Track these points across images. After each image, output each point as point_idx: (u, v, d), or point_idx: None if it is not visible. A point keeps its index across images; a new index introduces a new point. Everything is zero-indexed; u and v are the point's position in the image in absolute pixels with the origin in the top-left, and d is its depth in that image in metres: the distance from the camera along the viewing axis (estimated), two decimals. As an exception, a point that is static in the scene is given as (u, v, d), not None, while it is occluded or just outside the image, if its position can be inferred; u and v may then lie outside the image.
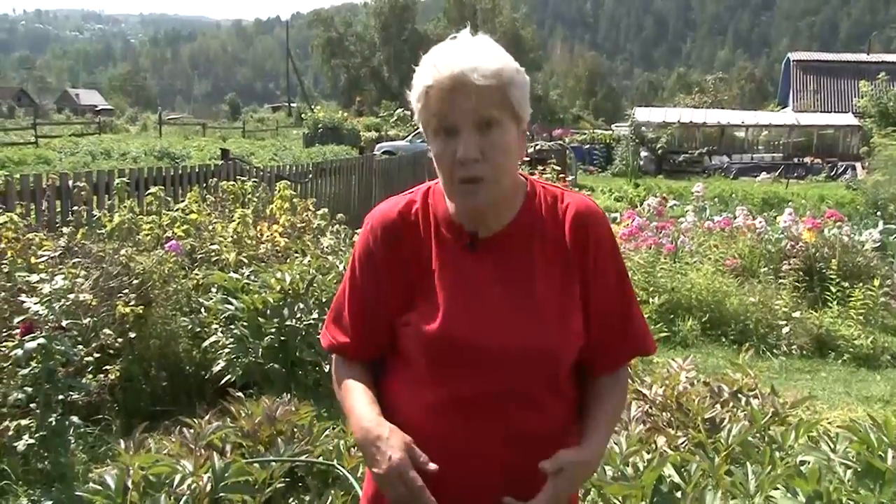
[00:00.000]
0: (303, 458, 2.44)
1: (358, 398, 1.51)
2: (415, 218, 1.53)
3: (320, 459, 2.50)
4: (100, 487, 1.71)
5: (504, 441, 1.45)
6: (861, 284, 6.83)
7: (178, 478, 1.73)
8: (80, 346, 4.11)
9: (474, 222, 1.50)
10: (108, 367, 4.24)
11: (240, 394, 3.09)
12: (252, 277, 4.63)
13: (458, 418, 1.44)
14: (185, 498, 1.72)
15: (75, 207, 5.70)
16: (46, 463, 3.70)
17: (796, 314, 6.52)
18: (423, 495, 1.34)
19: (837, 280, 6.82)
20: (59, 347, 3.84)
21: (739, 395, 2.96)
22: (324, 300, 4.60)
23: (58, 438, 3.80)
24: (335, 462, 2.49)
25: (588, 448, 1.47)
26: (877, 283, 6.80)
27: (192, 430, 2.68)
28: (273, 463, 2.42)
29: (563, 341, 1.47)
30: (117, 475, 1.70)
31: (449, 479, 1.44)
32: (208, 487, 1.68)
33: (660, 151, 28.89)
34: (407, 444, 1.38)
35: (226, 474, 1.71)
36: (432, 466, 1.35)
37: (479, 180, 1.40)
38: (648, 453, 2.60)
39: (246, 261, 5.14)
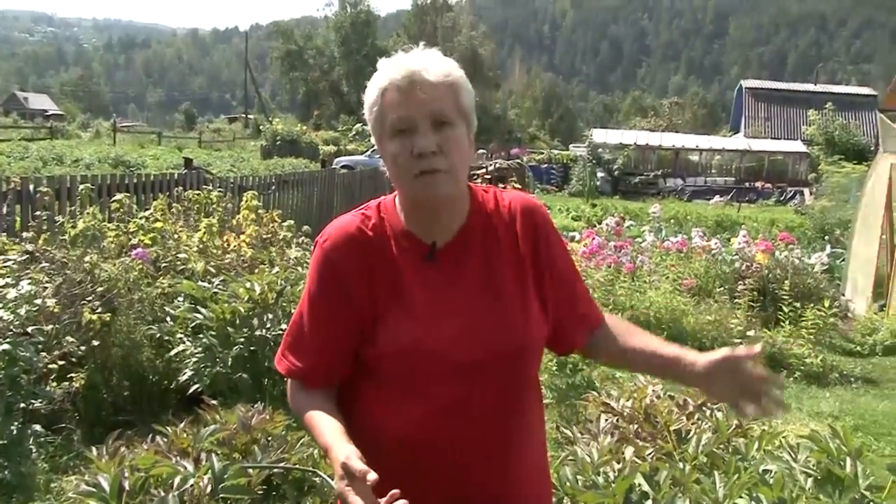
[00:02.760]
0: (283, 464, 2.46)
1: (322, 425, 1.45)
2: (372, 233, 1.53)
3: (301, 466, 2.52)
4: (93, 489, 1.71)
5: (494, 440, 1.49)
6: (811, 305, 7.06)
7: (178, 479, 1.74)
8: (43, 354, 4.06)
9: (428, 230, 1.53)
10: (71, 375, 4.20)
11: (214, 402, 3.09)
12: (221, 287, 4.62)
13: (448, 426, 1.47)
14: (173, 497, 1.73)
15: (37, 213, 5.62)
16: (6, 472, 3.63)
17: (750, 333, 6.71)
18: None
19: (789, 300, 7.04)
20: (23, 354, 3.79)
21: (704, 408, 3.06)
22: (292, 311, 4.60)
23: (19, 447, 3.74)
24: (314, 469, 2.52)
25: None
26: (826, 304, 7.04)
27: (165, 438, 2.68)
28: (251, 470, 2.44)
29: (532, 336, 1.54)
30: (112, 476, 1.71)
31: (446, 483, 1.48)
32: (208, 489, 1.69)
33: (616, 172, 29.44)
34: (343, 465, 1.30)
35: (225, 476, 1.73)
36: (370, 477, 1.27)
37: (438, 171, 1.44)
38: (618, 463, 2.67)
39: (213, 270, 5.12)
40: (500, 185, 11.10)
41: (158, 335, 4.72)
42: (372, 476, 1.27)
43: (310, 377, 1.53)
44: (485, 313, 1.50)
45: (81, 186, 6.16)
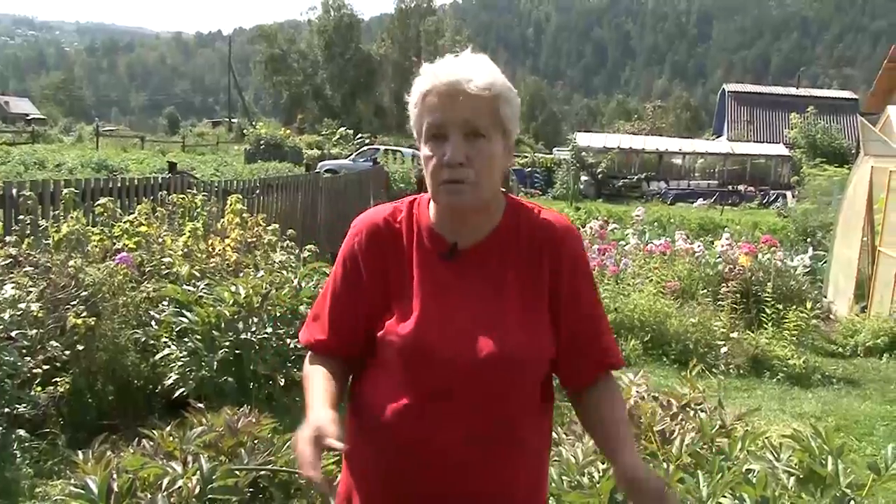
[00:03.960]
0: (270, 466, 2.46)
1: (315, 385, 1.56)
2: (399, 225, 1.60)
3: (287, 468, 2.52)
4: (80, 491, 1.71)
5: (473, 444, 1.50)
6: (794, 307, 7.12)
7: (166, 480, 1.74)
8: (27, 358, 4.04)
9: (454, 231, 1.57)
10: (56, 379, 4.18)
11: (200, 405, 3.09)
12: (206, 291, 4.61)
13: (434, 422, 1.49)
14: (162, 498, 1.73)
15: (20, 217, 5.58)
16: (-9, 477, 3.62)
17: (734, 335, 6.77)
18: (307, 467, 1.38)
19: (772, 303, 7.11)
20: (7, 358, 3.78)
21: (688, 409, 3.09)
22: (278, 314, 4.61)
23: (3, 452, 3.73)
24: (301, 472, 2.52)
25: (631, 454, 1.52)
26: (808, 305, 7.11)
27: (151, 442, 2.68)
28: (238, 472, 2.44)
29: (531, 351, 1.53)
30: (100, 478, 1.71)
31: (426, 475, 1.50)
32: (197, 490, 1.70)
33: (600, 176, 29.56)
34: (318, 423, 1.42)
35: (213, 476, 1.73)
36: (338, 445, 1.39)
37: (462, 182, 1.48)
38: (603, 464, 2.69)
39: (198, 274, 5.11)
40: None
41: (143, 339, 4.71)
42: (339, 445, 1.38)
43: (322, 347, 1.63)
44: (487, 320, 1.52)
45: (65, 191, 6.12)
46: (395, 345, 1.52)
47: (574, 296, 1.59)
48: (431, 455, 1.49)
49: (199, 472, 1.78)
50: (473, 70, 1.49)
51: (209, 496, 1.72)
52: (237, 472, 2.23)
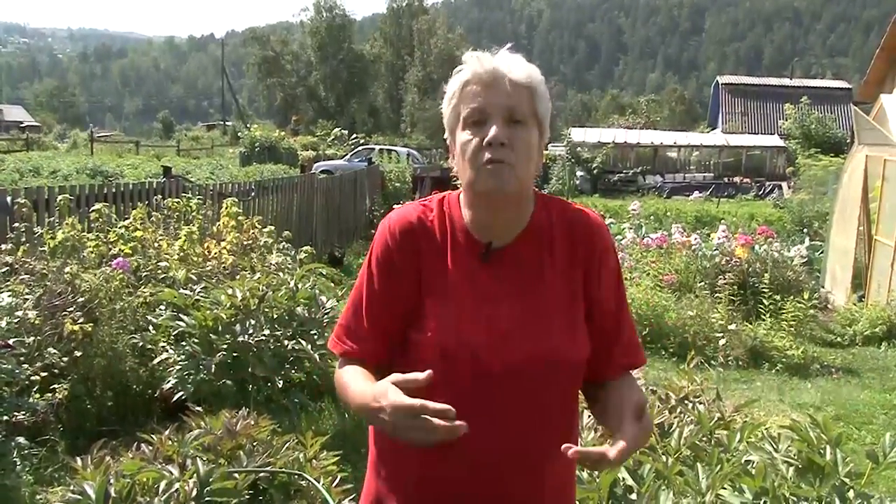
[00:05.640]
0: (269, 468, 2.46)
1: (355, 381, 1.51)
2: (431, 225, 1.56)
3: (287, 470, 2.52)
4: (78, 497, 1.71)
5: (511, 444, 1.49)
6: (791, 298, 7.14)
7: (163, 484, 1.74)
8: (25, 366, 4.04)
9: (488, 229, 1.55)
10: (54, 386, 4.18)
11: (199, 408, 3.08)
12: (202, 294, 4.61)
13: (472, 423, 1.42)
14: (159, 501, 1.73)
15: (16, 224, 5.57)
16: (-9, 485, 3.61)
17: (732, 327, 6.78)
18: (426, 408, 1.29)
19: (770, 294, 7.12)
20: (5, 366, 3.77)
21: (686, 401, 3.10)
22: (275, 316, 4.60)
23: (3, 460, 3.72)
24: (301, 472, 2.52)
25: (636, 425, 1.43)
26: (806, 296, 7.12)
27: (151, 447, 2.67)
28: (237, 474, 2.44)
29: (571, 352, 1.52)
30: (98, 484, 1.70)
31: (459, 479, 1.49)
32: (194, 493, 1.69)
33: (595, 171, 29.49)
34: (392, 382, 1.35)
35: (210, 479, 1.73)
36: (422, 376, 1.32)
37: (503, 163, 1.46)
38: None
39: (195, 278, 5.10)
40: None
41: (141, 344, 4.71)
42: (422, 376, 1.33)
43: (362, 356, 1.57)
44: (526, 321, 1.50)
45: (60, 197, 6.11)
46: (435, 346, 1.49)
47: (605, 293, 1.59)
48: (469, 455, 1.48)
49: (196, 474, 1.78)
50: (513, 63, 1.51)
51: (207, 499, 1.72)
52: (236, 475, 2.23)
